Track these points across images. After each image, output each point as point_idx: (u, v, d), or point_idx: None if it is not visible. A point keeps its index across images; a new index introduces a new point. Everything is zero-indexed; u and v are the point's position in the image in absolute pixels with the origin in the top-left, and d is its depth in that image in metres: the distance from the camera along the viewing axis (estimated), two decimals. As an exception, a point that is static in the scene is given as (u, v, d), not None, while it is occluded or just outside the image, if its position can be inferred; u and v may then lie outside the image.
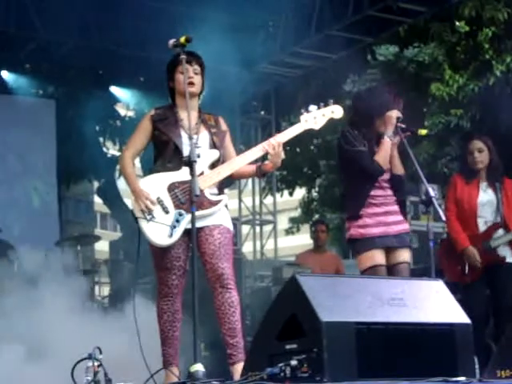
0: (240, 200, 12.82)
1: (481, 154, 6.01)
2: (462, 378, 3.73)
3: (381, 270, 5.08)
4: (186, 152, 4.51)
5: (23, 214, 10.20)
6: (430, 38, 12.45)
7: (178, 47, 4.42)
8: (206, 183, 4.53)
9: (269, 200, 13.48)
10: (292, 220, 18.50)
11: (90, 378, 3.86)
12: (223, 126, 4.80)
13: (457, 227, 5.98)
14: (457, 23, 12.06)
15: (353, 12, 9.61)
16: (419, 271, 7.20)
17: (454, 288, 4.93)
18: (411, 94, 13.08)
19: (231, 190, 14.04)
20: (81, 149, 11.35)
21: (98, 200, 16.18)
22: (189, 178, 4.40)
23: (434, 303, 4.03)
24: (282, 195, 16.48)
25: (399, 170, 5.33)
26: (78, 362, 3.97)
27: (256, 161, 4.70)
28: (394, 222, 5.22)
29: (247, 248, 12.43)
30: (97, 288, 9.13)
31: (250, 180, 13.58)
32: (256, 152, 4.63)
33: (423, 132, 5.60)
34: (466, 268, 5.90)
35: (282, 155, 4.59)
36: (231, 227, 4.68)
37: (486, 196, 6.02)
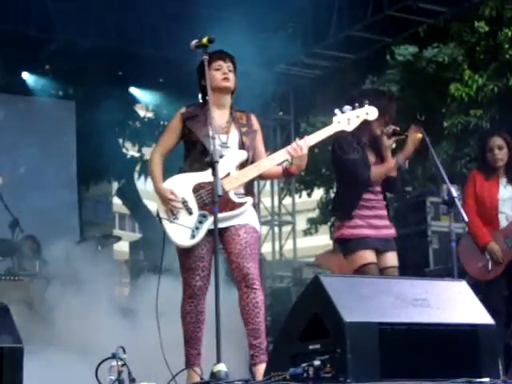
0: (259, 201, 12.81)
1: (501, 151, 5.98)
2: (486, 380, 3.71)
3: (373, 268, 5.12)
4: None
5: (44, 214, 10.24)
6: (449, 38, 12.41)
7: (200, 48, 4.41)
8: (232, 184, 4.51)
9: (287, 201, 13.49)
10: (310, 221, 18.47)
11: (113, 378, 3.87)
12: (255, 124, 4.74)
13: (477, 222, 5.94)
14: (476, 23, 12.01)
15: (372, 12, 9.60)
16: (440, 272, 7.18)
17: (474, 286, 4.94)
18: (430, 94, 13.06)
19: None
20: (100, 150, 11.40)
21: (116, 201, 16.22)
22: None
23: (458, 304, 4.01)
24: (300, 196, 16.47)
25: (393, 171, 5.39)
26: (102, 361, 3.98)
27: (283, 162, 4.68)
28: (383, 226, 5.28)
29: (266, 249, 12.44)
30: (117, 289, 9.16)
31: (268, 181, 13.60)
32: (283, 154, 4.58)
33: (418, 136, 5.58)
34: (490, 264, 5.84)
35: (305, 158, 4.57)
36: (258, 227, 4.65)
37: (506, 192, 5.99)
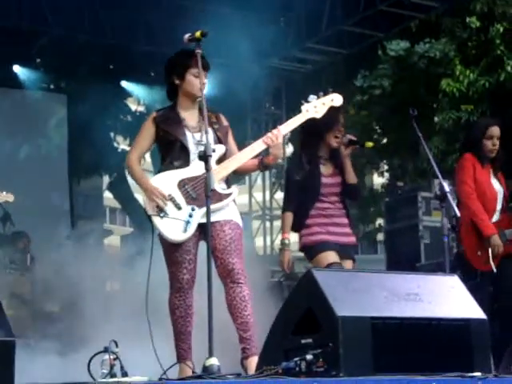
0: (250, 195, 12.82)
1: (498, 142, 5.89)
2: (478, 374, 3.72)
3: (338, 267, 5.19)
4: (192, 150, 4.58)
5: (34, 207, 10.22)
6: (441, 33, 12.43)
7: (193, 42, 4.40)
8: (215, 177, 4.46)
9: (279, 195, 13.48)
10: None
11: (105, 371, 3.87)
12: (224, 121, 4.82)
13: (481, 208, 5.64)
14: (468, 19, 12.03)
15: (364, 7, 9.60)
16: (431, 266, 7.20)
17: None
18: (421, 89, 13.09)
19: (241, 186, 14.05)
20: (91, 143, 11.37)
21: (107, 195, 16.19)
22: (198, 173, 4.51)
23: (450, 298, 4.03)
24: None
25: (352, 179, 5.48)
26: (95, 355, 3.97)
27: (258, 155, 4.70)
28: (342, 233, 5.38)
29: (258, 243, 12.44)
30: (108, 283, 9.14)
31: (259, 175, 13.60)
32: (258, 145, 4.63)
33: (370, 144, 5.87)
34: (491, 256, 5.68)
35: (281, 147, 4.68)
36: (241, 223, 4.69)
37: (497, 184, 5.88)
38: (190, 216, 4.51)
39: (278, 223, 13.40)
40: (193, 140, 4.62)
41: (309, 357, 3.67)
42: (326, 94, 4.78)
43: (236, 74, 10.04)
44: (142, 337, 4.66)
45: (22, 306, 6.93)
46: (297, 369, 3.70)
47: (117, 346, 3.98)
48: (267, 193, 13.05)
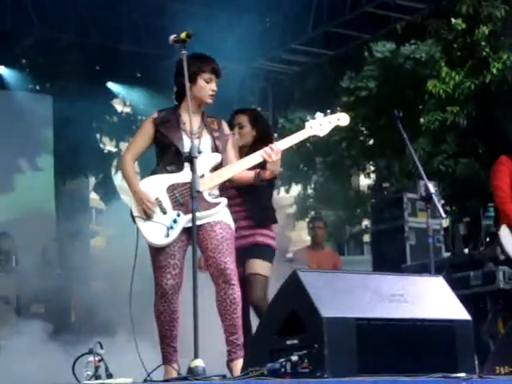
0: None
1: None
2: (462, 374, 3.74)
3: None
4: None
5: (19, 209, 10.17)
6: (426, 35, 12.47)
7: (178, 43, 4.39)
8: (206, 185, 4.51)
9: (276, 196, 13.50)
10: (288, 217, 18.51)
11: (90, 373, 3.85)
12: (226, 129, 4.80)
13: None
14: (454, 20, 12.07)
15: (350, 8, 9.60)
16: (417, 267, 7.22)
17: None
18: (407, 90, 13.12)
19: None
20: (77, 144, 11.33)
21: (93, 196, 16.14)
22: (189, 179, 4.38)
23: (434, 299, 4.04)
24: (278, 192, 16.49)
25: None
26: (79, 356, 3.96)
27: (256, 166, 4.69)
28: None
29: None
30: (93, 284, 9.12)
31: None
32: (256, 158, 4.62)
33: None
34: None
35: (279, 163, 4.70)
36: (232, 224, 4.66)
37: None
38: (175, 222, 4.49)
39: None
40: (190, 145, 4.51)
41: (294, 358, 3.68)
42: (333, 112, 4.74)
43: (222, 75, 10.02)
44: (128, 338, 4.66)
45: (7, 307, 6.89)
46: (282, 370, 3.70)
47: (102, 347, 3.97)
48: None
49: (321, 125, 4.67)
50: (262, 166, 4.71)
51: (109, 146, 13.86)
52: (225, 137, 4.74)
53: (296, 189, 18.11)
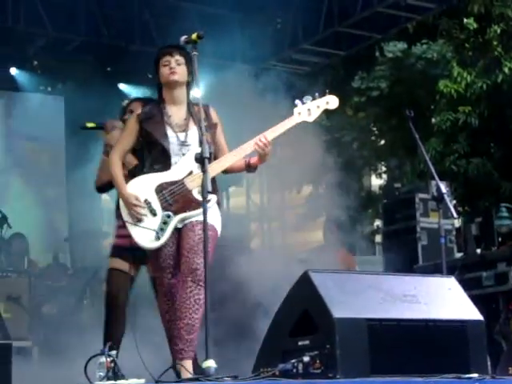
0: (248, 197, 12.82)
1: None
2: (475, 375, 3.73)
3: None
4: (174, 151, 4.46)
5: (32, 210, 10.21)
6: (438, 34, 12.44)
7: (189, 44, 4.39)
8: (195, 183, 4.40)
9: (278, 196, 13.47)
10: (299, 217, 18.48)
11: (102, 374, 3.86)
12: (214, 117, 4.63)
13: None
14: (465, 20, 12.04)
15: (361, 8, 9.59)
16: (429, 268, 7.20)
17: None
18: (419, 90, 13.09)
19: (239, 188, 14.05)
20: (89, 145, 11.34)
21: (105, 196, 16.18)
22: (177, 177, 4.41)
23: (447, 300, 4.03)
24: (289, 193, 16.46)
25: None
26: (92, 357, 3.97)
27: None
28: None
29: (255, 244, 12.42)
30: (105, 284, 9.13)
31: (257, 177, 13.59)
32: (246, 149, 4.50)
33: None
34: None
35: (269, 152, 4.49)
36: (217, 225, 4.50)
37: None
38: (165, 223, 4.40)
39: (275, 224, 13.40)
40: (176, 141, 4.48)
41: (306, 358, 3.68)
42: (322, 95, 4.55)
43: (233, 75, 10.02)
44: (141, 338, 4.65)
45: (20, 308, 6.91)
46: (294, 370, 3.70)
47: (113, 348, 3.98)
48: (265, 194, 13.04)
49: (309, 110, 4.50)
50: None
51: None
52: (213, 127, 4.58)
53: (307, 189, 18.08)
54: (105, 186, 5.26)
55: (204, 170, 4.11)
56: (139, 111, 4.63)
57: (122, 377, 3.88)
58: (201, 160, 4.13)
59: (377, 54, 12.81)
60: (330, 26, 9.96)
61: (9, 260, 8.44)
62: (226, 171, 4.63)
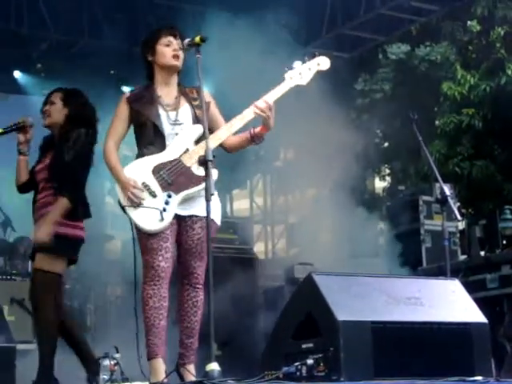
0: (251, 200, 12.82)
1: None
2: (479, 378, 3.72)
3: None
4: (167, 130, 4.34)
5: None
6: (441, 36, 12.44)
7: (192, 47, 4.36)
8: (193, 159, 4.29)
9: (280, 199, 13.49)
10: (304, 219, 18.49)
11: (106, 377, 3.86)
12: (207, 97, 4.44)
13: None
14: (469, 22, 12.04)
15: (365, 11, 9.60)
16: (433, 270, 7.19)
17: None
18: (422, 92, 13.09)
19: (242, 190, 14.06)
20: (95, 149, 11.35)
21: (109, 200, 16.18)
22: (173, 156, 4.28)
23: (451, 302, 4.03)
24: (293, 196, 16.47)
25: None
26: (96, 360, 3.97)
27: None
28: None
29: (259, 247, 12.43)
30: (109, 288, 9.14)
31: (261, 180, 13.59)
32: (248, 115, 4.33)
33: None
34: None
35: (273, 116, 4.32)
36: (217, 217, 4.37)
37: None
38: (167, 203, 4.25)
39: (279, 228, 13.41)
40: (167, 120, 4.36)
41: (309, 361, 3.68)
42: (312, 57, 4.48)
43: (237, 77, 10.02)
44: (143, 341, 4.63)
45: (24, 311, 6.90)
46: (297, 373, 3.70)
47: (117, 351, 3.98)
48: (268, 197, 13.04)
49: (300, 73, 4.41)
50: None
51: (125, 151, 13.84)
52: (206, 104, 4.39)
53: (311, 192, 18.07)
54: (24, 185, 5.13)
55: (207, 174, 4.02)
56: (127, 95, 4.46)
57: (126, 380, 3.88)
58: (204, 162, 4.09)
59: (380, 56, 12.81)
60: (333, 28, 9.96)
61: (13, 263, 8.43)
62: (229, 149, 4.48)
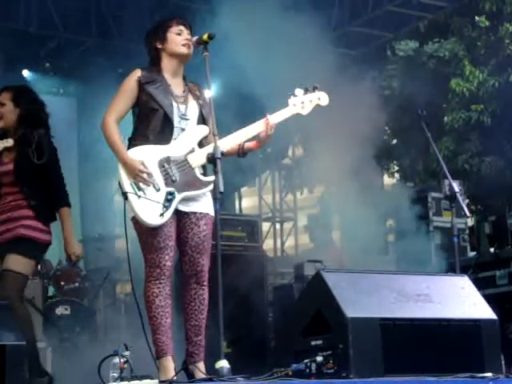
0: (260, 197, 12.82)
1: None
2: (489, 374, 3.72)
3: None
4: (175, 123, 4.25)
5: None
6: (450, 33, 12.40)
7: (200, 44, 4.37)
8: (199, 161, 4.26)
9: (289, 197, 13.49)
10: (311, 217, 18.51)
11: (116, 375, 3.87)
12: (207, 97, 4.43)
13: None
14: (477, 18, 12.00)
15: (372, 7, 9.59)
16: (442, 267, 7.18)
17: None
18: (431, 89, 13.05)
19: (251, 188, 14.07)
20: (102, 147, 11.37)
21: (117, 198, 16.23)
22: (181, 153, 4.24)
23: (460, 299, 4.02)
24: (301, 193, 16.48)
25: None
26: (105, 358, 3.97)
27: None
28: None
29: (268, 245, 12.44)
30: (118, 286, 9.16)
31: (269, 177, 13.60)
32: (259, 127, 4.38)
33: None
34: None
35: (271, 137, 4.40)
36: (211, 211, 4.30)
37: None
38: (168, 200, 4.16)
39: (288, 225, 13.41)
40: (177, 112, 4.27)
41: (319, 358, 3.69)
42: (314, 89, 4.53)
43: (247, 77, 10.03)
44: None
45: (33, 310, 6.92)
46: (307, 370, 3.71)
47: (127, 349, 3.98)
48: (277, 195, 13.04)
49: (303, 103, 4.49)
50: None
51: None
52: (208, 104, 4.39)
53: (319, 189, 18.07)
54: None
55: (216, 171, 4.02)
56: (139, 73, 4.31)
57: (135, 377, 3.89)
58: (212, 160, 4.09)
59: (388, 52, 12.77)
60: (341, 25, 9.95)
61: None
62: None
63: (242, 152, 4.44)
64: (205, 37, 4.34)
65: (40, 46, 10.42)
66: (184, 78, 4.44)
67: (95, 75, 10.96)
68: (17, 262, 4.83)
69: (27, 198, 4.91)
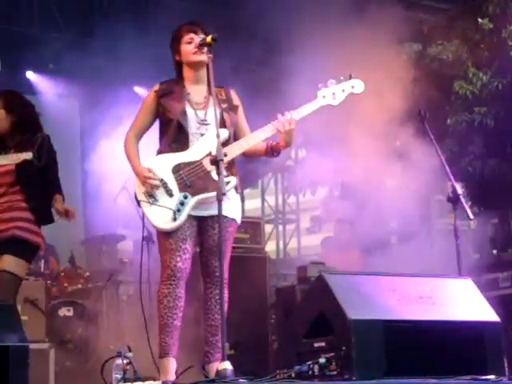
0: (263, 199, 12.82)
1: None
2: (492, 377, 3.72)
3: None
4: (192, 129, 4.35)
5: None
6: (453, 35, 12.38)
7: (204, 46, 4.39)
8: (228, 156, 4.28)
9: (291, 199, 13.49)
10: (314, 219, 18.51)
11: (119, 376, 3.87)
12: (235, 99, 4.53)
13: None
14: (480, 20, 11.98)
15: (376, 9, 9.58)
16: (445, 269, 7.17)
17: None
18: (434, 91, 13.04)
19: (254, 189, 14.06)
20: (105, 149, 11.38)
21: (120, 200, 16.21)
22: (195, 158, 4.32)
23: (463, 301, 4.02)
24: (304, 195, 16.47)
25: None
26: (108, 359, 3.98)
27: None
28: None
29: (270, 247, 12.44)
30: (121, 287, 9.17)
31: (272, 179, 13.60)
32: (267, 131, 4.36)
33: None
34: None
35: (293, 133, 4.36)
36: (238, 217, 4.44)
37: None
38: (182, 204, 4.25)
39: (290, 227, 13.40)
40: (195, 118, 4.36)
41: (321, 360, 3.69)
42: (348, 78, 4.45)
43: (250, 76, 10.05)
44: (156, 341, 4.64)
45: (37, 311, 6.93)
46: (310, 372, 3.71)
47: (130, 350, 3.99)
48: (280, 197, 13.04)
49: (334, 93, 4.40)
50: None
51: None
52: (234, 108, 4.46)
53: (322, 191, 18.07)
54: None
55: (219, 173, 4.04)
56: (156, 88, 4.48)
57: (138, 379, 3.89)
58: (215, 162, 4.10)
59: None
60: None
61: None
62: (247, 154, 4.47)
63: (271, 151, 4.47)
64: (208, 39, 4.37)
65: (43, 48, 10.42)
66: (209, 84, 4.41)
67: (98, 77, 10.99)
68: (12, 263, 4.84)
69: (27, 198, 4.94)
